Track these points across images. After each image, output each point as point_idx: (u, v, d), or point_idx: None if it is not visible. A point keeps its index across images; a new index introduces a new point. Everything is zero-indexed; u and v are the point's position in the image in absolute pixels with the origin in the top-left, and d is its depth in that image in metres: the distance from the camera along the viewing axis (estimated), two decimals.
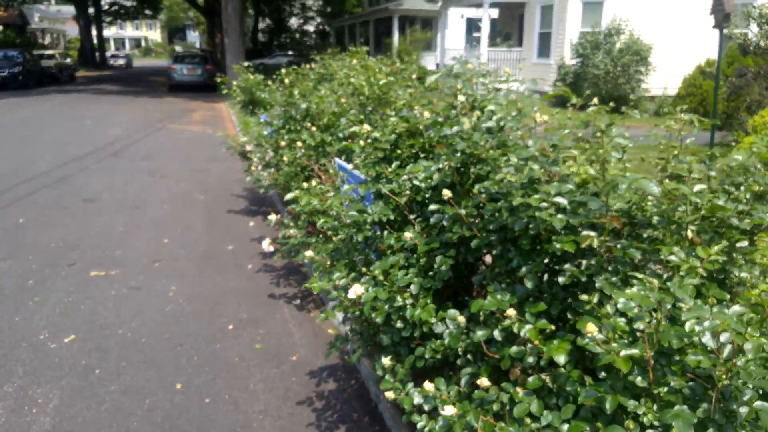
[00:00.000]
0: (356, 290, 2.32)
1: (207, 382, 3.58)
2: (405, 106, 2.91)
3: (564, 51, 16.93)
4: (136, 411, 3.29)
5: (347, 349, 3.71)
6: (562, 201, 1.74)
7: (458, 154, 2.16)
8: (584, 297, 1.78)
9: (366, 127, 2.61)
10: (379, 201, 2.63)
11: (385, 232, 2.63)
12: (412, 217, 2.61)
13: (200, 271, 5.34)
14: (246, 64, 7.63)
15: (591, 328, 1.50)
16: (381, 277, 2.24)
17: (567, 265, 1.84)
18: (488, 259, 2.44)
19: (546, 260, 1.93)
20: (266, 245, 4.25)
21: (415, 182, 2.59)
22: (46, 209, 7.15)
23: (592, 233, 1.70)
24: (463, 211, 2.05)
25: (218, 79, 7.98)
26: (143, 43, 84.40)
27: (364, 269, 2.43)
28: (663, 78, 15.56)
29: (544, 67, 18.02)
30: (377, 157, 2.71)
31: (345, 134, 4.44)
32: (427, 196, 2.62)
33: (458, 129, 2.22)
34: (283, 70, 5.93)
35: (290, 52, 35.77)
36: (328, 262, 3.09)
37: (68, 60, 31.35)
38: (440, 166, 2.23)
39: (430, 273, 2.36)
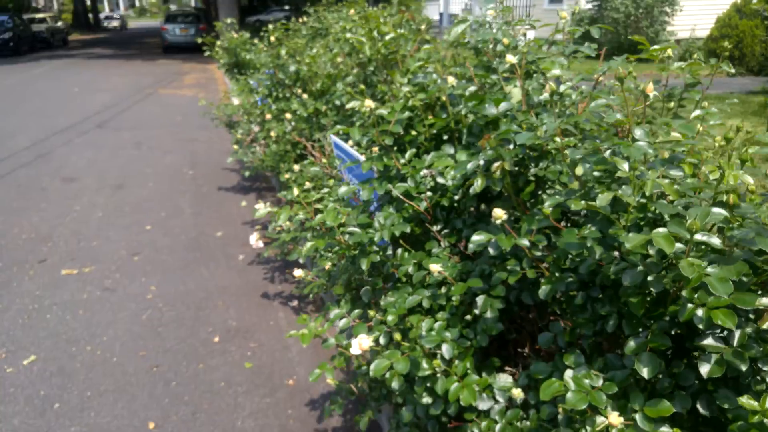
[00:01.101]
0: (362, 344, 1.60)
1: (186, 419, 2.94)
2: (422, 68, 2.11)
3: None
4: None
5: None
6: (715, 242, 0.99)
7: (512, 146, 1.39)
8: (748, 402, 1.05)
9: (368, 102, 1.83)
10: (389, 207, 1.87)
11: (399, 250, 1.89)
12: (436, 229, 1.86)
13: (185, 264, 4.65)
14: (229, 20, 6.71)
15: None
16: (398, 336, 1.51)
17: (708, 341, 1.10)
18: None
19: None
20: (254, 240, 3.51)
21: (440, 180, 1.83)
22: (22, 191, 6.46)
23: None
24: (526, 242, 1.30)
25: (199, 40, 7.07)
26: (137, 3, 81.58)
27: (371, 312, 1.71)
28: (691, 19, 14.27)
29: (556, 13, 16.71)
30: (384, 143, 1.93)
31: (342, 102, 3.64)
32: (456, 197, 1.86)
33: (508, 106, 1.44)
34: (270, 26, 5.06)
35: (287, 7, 34.13)
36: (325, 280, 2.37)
37: (60, 23, 30.11)
38: (481, 162, 1.46)
39: (467, 317, 1.63)
